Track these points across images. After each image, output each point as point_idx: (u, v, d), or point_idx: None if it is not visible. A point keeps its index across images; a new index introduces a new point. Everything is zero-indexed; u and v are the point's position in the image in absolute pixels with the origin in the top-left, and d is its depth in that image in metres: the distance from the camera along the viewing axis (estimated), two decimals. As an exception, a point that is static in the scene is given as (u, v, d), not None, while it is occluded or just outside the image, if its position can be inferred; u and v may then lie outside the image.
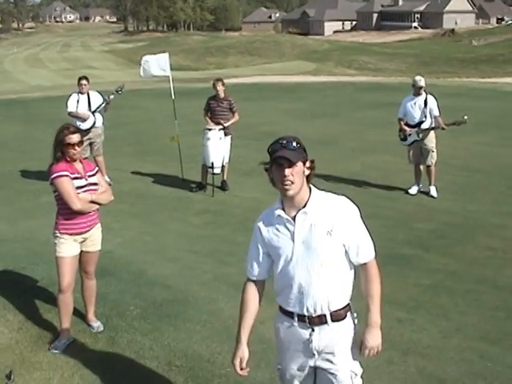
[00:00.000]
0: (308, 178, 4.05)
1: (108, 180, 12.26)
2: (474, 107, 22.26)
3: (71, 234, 6.36)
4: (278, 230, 4.09)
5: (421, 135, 12.28)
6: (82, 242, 6.49)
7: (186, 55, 77.31)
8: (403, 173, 13.34)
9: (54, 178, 6.26)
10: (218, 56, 79.23)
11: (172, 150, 14.67)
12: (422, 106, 12.25)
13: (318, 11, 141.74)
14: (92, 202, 6.40)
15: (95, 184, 6.49)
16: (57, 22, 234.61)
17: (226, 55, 79.76)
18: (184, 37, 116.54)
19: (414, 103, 12.33)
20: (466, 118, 11.97)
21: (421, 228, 10.57)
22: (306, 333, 4.09)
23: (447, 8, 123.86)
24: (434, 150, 12.35)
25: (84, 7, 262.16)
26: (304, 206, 4.01)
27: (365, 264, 4.14)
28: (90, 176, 6.46)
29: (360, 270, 4.17)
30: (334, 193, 4.22)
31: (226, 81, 13.64)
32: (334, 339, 4.09)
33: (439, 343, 6.58)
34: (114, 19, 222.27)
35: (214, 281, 8.28)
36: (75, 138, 6.30)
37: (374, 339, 4.15)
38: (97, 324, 6.89)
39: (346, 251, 4.07)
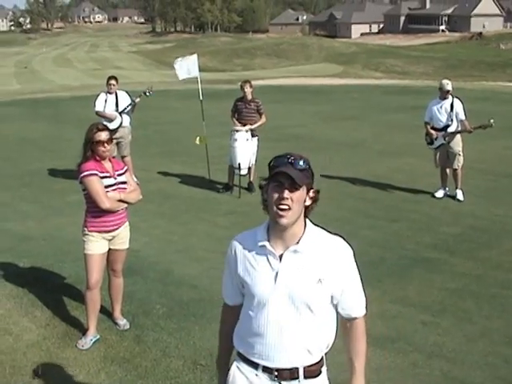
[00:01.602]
0: (307, 209, 3.43)
1: (135, 180, 12.33)
2: (501, 111, 22.10)
3: (100, 232, 6.43)
4: (257, 262, 3.43)
5: (447, 139, 12.24)
6: (110, 240, 6.55)
7: (212, 57, 77.43)
8: (429, 176, 13.28)
9: (84, 176, 6.32)
10: (244, 58, 79.32)
11: (199, 151, 14.73)
12: (449, 109, 12.20)
13: (346, 14, 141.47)
14: (120, 200, 6.46)
15: (124, 183, 6.55)
16: (85, 22, 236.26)
17: (253, 57, 79.81)
18: (211, 38, 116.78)
19: (440, 107, 12.28)
20: (492, 121, 11.91)
21: (447, 232, 10.53)
22: None
23: (475, 11, 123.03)
24: (461, 154, 12.30)
25: (112, 8, 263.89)
26: (297, 243, 3.37)
27: (355, 319, 3.60)
28: (119, 175, 6.51)
29: (346, 325, 3.62)
30: (329, 231, 3.62)
31: (252, 83, 13.67)
32: None
33: (464, 347, 6.57)
34: (142, 20, 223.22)
35: (240, 281, 8.31)
36: (104, 135, 6.35)
37: None
38: (123, 322, 6.95)
39: (333, 301, 3.49)
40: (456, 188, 12.40)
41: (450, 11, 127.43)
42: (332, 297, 3.45)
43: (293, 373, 3.40)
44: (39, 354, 6.40)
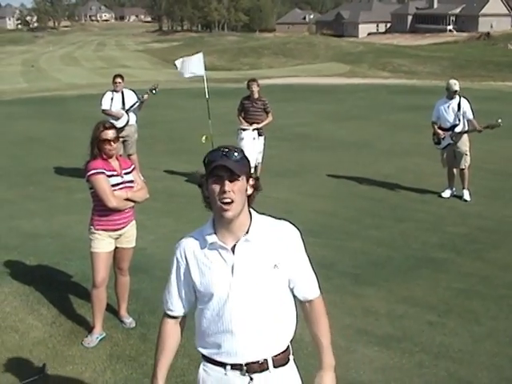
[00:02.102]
0: (250, 198, 3.39)
1: (142, 178, 12.33)
2: (509, 111, 22.00)
3: (106, 230, 6.43)
4: (211, 261, 3.37)
5: (454, 138, 12.22)
6: (116, 239, 6.56)
7: (219, 55, 77.47)
8: (436, 176, 13.25)
9: (90, 175, 6.32)
10: (251, 57, 79.27)
11: (206, 150, 14.52)
12: (456, 109, 12.17)
13: (353, 13, 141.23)
14: (127, 199, 6.46)
15: (131, 181, 6.55)
16: (92, 20, 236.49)
17: (260, 56, 79.75)
18: (218, 37, 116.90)
19: (448, 106, 12.25)
20: (499, 121, 11.88)
21: (453, 232, 10.50)
22: (242, 383, 3.41)
23: (483, 11, 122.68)
24: (468, 154, 12.27)
25: (119, 6, 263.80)
26: (246, 233, 3.34)
27: (312, 300, 3.55)
28: (126, 173, 6.52)
29: (306, 308, 3.58)
30: (275, 217, 3.57)
31: (259, 82, 13.67)
32: None
33: (470, 348, 6.54)
34: (149, 19, 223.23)
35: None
36: (111, 133, 6.36)
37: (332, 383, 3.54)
38: (129, 320, 6.96)
39: (290, 285, 3.50)
40: (463, 188, 12.37)
41: (457, 11, 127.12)
42: (289, 280, 3.46)
43: (262, 364, 3.39)
44: (45, 351, 6.42)
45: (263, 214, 3.54)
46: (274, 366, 3.41)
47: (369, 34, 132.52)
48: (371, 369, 6.06)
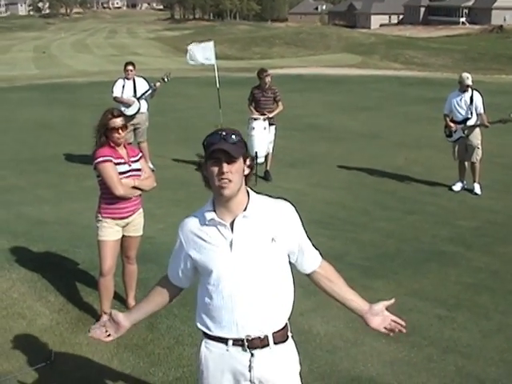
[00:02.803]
0: (247, 178, 3.52)
1: (151, 166, 12.33)
2: (522, 105, 21.93)
3: (113, 219, 6.40)
4: (210, 238, 3.49)
5: (466, 132, 12.14)
6: (124, 227, 6.52)
7: (231, 44, 77.29)
8: (447, 169, 13.19)
9: (98, 162, 6.29)
10: (263, 46, 79.08)
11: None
12: (468, 102, 12.10)
13: (365, 4, 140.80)
14: (134, 187, 6.43)
15: (138, 170, 6.51)
16: (104, 8, 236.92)
17: (272, 46, 79.55)
18: (230, 26, 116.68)
19: (460, 99, 12.18)
20: None
21: (464, 225, 10.45)
22: (244, 359, 3.49)
23: (496, 4, 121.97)
24: (480, 147, 12.20)
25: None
26: (244, 210, 3.46)
27: (320, 267, 3.70)
28: (133, 162, 6.48)
29: (316, 277, 3.70)
30: (271, 196, 3.69)
31: (270, 71, 13.61)
32: (276, 365, 3.54)
33: (479, 343, 6.50)
34: (161, 7, 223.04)
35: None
36: (119, 121, 6.32)
37: (383, 321, 3.87)
38: (136, 309, 6.92)
39: (290, 260, 3.63)
40: (474, 182, 12.31)
41: (470, 3, 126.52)
42: (289, 255, 3.60)
43: (263, 340, 3.48)
44: (52, 338, 6.40)
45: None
46: (275, 343, 3.51)
47: (381, 26, 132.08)
48: (379, 362, 6.02)
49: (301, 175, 13.25)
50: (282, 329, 3.55)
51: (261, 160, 12.73)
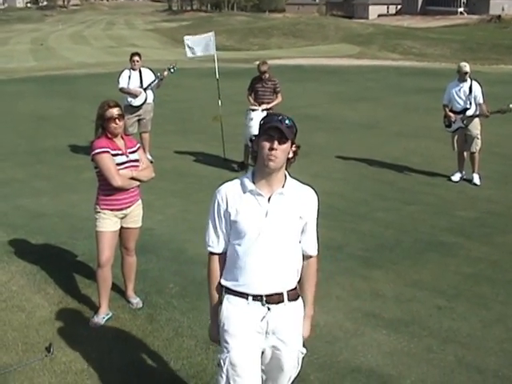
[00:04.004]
0: (288, 161, 3.98)
1: (150, 158, 12.31)
2: (520, 95, 21.89)
3: (112, 210, 6.39)
4: (248, 204, 3.94)
5: (465, 122, 12.12)
6: (122, 218, 6.51)
7: (229, 35, 77.09)
8: (446, 159, 13.19)
9: (95, 154, 6.28)
10: (261, 37, 78.89)
11: (215, 130, 14.66)
12: (467, 92, 12.08)
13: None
14: (132, 178, 6.41)
15: (136, 161, 6.50)
16: (101, 0, 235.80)
17: (270, 36, 79.36)
18: (227, 17, 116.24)
19: (459, 89, 12.16)
20: (511, 106, 11.76)
21: (462, 216, 10.44)
22: (261, 312, 3.99)
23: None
24: (479, 137, 12.18)
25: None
26: (282, 187, 3.95)
27: (311, 257, 4.19)
28: (131, 152, 6.47)
29: (303, 264, 4.18)
30: (304, 183, 4.16)
31: (268, 62, 13.58)
32: (288, 319, 4.06)
33: (479, 333, 6.50)
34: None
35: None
36: (115, 111, 6.30)
37: (308, 330, 4.30)
38: (136, 300, 6.93)
39: (300, 239, 4.11)
40: (473, 172, 12.30)
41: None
42: (303, 233, 4.10)
43: (279, 297, 4.00)
44: (52, 331, 6.40)
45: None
46: (289, 300, 4.03)
47: (379, 16, 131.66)
48: (379, 352, 6.02)
49: (299, 166, 13.02)
50: (294, 288, 4.08)
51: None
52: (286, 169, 3.99)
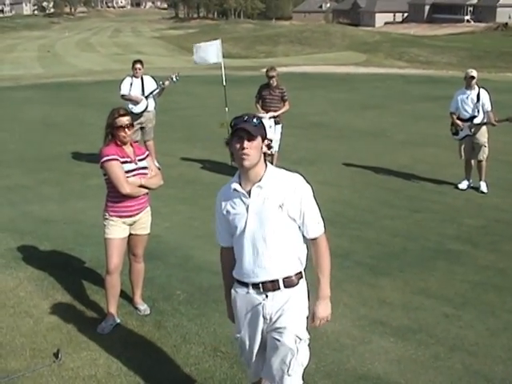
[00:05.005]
0: (265, 155, 4.28)
1: (157, 165, 12.32)
2: (527, 103, 21.86)
3: (120, 217, 6.40)
4: (234, 202, 4.31)
5: (473, 130, 12.11)
6: (131, 225, 6.53)
7: (235, 43, 77.21)
8: (453, 167, 13.17)
9: (104, 161, 6.30)
10: (267, 44, 78.96)
11: (221, 137, 14.57)
12: (475, 100, 12.06)
13: (370, 2, 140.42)
14: (141, 186, 6.43)
15: (145, 168, 6.51)
16: (108, 7, 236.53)
17: (276, 44, 79.43)
18: (234, 25, 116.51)
19: (467, 97, 12.14)
20: (519, 114, 11.77)
21: (470, 224, 10.42)
22: (259, 299, 4.32)
23: (501, 1, 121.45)
24: (486, 145, 12.16)
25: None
26: (259, 181, 4.22)
27: (315, 239, 4.35)
28: (139, 160, 6.48)
29: (311, 245, 4.38)
30: (290, 170, 4.42)
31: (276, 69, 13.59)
32: (285, 304, 4.29)
33: (486, 341, 6.48)
34: (165, 5, 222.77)
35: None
36: (125, 120, 6.33)
37: (325, 310, 4.44)
38: (143, 307, 6.94)
39: (297, 223, 4.29)
40: (480, 180, 12.28)
41: (475, 1, 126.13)
42: (294, 219, 4.26)
43: (274, 284, 4.27)
44: (59, 337, 6.41)
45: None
46: (285, 286, 4.28)
47: (385, 24, 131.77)
48: (386, 360, 6.02)
49: (306, 173, 13.01)
50: (291, 276, 4.29)
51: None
52: (265, 161, 4.29)
